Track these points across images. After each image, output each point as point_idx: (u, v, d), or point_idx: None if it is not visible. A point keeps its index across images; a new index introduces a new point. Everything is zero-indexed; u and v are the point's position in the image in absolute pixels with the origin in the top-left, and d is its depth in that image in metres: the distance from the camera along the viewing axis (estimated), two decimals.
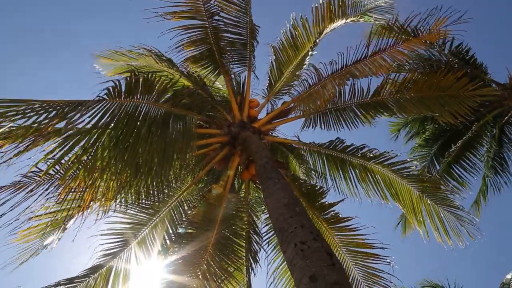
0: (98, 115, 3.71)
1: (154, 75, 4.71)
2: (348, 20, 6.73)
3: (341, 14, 6.64)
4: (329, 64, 6.68)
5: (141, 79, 4.40)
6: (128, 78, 4.26)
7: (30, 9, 16.35)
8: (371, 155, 6.61)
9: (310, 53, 6.95)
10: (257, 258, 6.21)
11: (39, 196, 4.50)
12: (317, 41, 6.83)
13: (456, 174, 9.78)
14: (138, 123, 4.15)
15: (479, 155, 9.94)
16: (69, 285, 5.40)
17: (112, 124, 3.87)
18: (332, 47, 7.03)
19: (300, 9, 6.78)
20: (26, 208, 4.53)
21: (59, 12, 16.89)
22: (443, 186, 6.51)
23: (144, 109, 4.32)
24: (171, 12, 6.14)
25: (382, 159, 6.56)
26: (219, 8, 6.39)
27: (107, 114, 3.81)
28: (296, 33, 6.97)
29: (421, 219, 6.31)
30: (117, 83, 4.04)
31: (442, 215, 6.20)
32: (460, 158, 9.75)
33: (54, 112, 3.40)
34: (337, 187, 6.97)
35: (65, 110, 3.45)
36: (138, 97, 4.31)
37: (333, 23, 6.65)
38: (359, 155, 6.71)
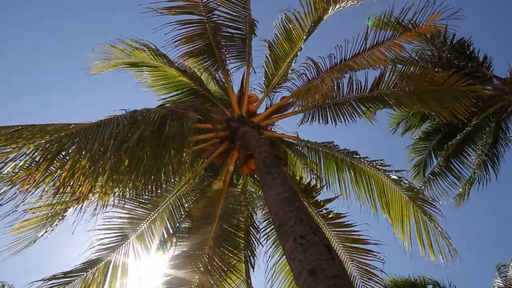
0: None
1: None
2: (337, 7, 6.66)
3: (331, 1, 6.57)
4: (327, 57, 6.66)
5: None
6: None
7: (26, 8, 16.29)
8: (365, 161, 6.60)
9: (303, 45, 6.90)
10: (255, 253, 6.22)
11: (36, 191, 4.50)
12: (312, 31, 6.78)
13: (454, 168, 9.81)
14: (136, 124, 4.16)
15: (477, 149, 9.96)
16: (66, 279, 5.40)
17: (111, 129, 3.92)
18: (329, 40, 7.00)
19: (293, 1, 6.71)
20: (23, 201, 4.51)
21: (54, 9, 16.82)
22: (432, 202, 6.40)
23: (141, 115, 4.35)
24: (168, 7, 6.10)
25: (375, 164, 6.55)
26: (218, 3, 6.35)
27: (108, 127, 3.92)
28: (290, 25, 6.89)
29: (408, 231, 6.22)
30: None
31: (429, 228, 6.13)
32: (459, 152, 9.78)
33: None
34: (330, 186, 6.97)
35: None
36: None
37: (326, 10, 6.59)
38: (356, 158, 6.71)
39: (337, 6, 6.61)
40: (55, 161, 3.86)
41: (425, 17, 6.24)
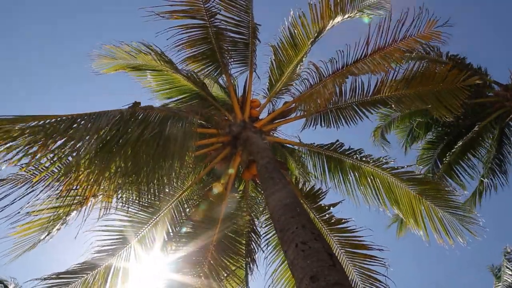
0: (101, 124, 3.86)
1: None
2: (346, 16, 6.71)
3: (339, 10, 6.59)
4: (329, 62, 6.67)
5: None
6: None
7: (27, 9, 16.37)
8: (369, 159, 6.62)
9: (309, 52, 6.94)
10: (254, 258, 6.23)
11: (40, 191, 4.53)
12: (317, 38, 6.80)
13: (456, 174, 9.79)
14: (138, 126, 4.17)
15: (480, 156, 9.95)
16: (66, 279, 5.41)
17: (113, 129, 3.94)
18: (331, 45, 7.02)
19: (300, 6, 6.74)
20: (28, 202, 4.53)
21: (54, 13, 16.90)
22: (444, 186, 6.46)
23: (143, 115, 4.37)
24: (170, 11, 6.10)
25: (381, 163, 6.57)
26: (220, 8, 6.38)
27: (110, 123, 3.95)
28: (296, 31, 6.91)
29: (421, 221, 6.27)
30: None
31: (442, 216, 6.18)
32: (460, 159, 9.76)
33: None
34: (336, 188, 6.97)
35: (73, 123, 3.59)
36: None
37: (332, 20, 6.62)
38: (359, 158, 6.71)
39: (346, 15, 6.64)
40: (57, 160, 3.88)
41: (422, 24, 6.30)
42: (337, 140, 6.90)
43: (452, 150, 9.69)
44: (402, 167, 6.48)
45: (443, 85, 6.46)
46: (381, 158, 6.59)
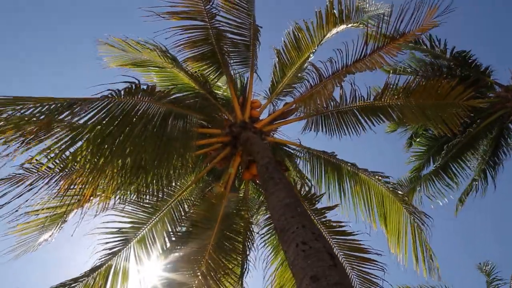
0: (98, 114, 3.83)
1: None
2: (350, 25, 6.76)
3: (344, 18, 6.63)
4: (329, 62, 6.65)
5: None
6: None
7: (30, 9, 16.39)
8: (366, 171, 6.62)
9: (312, 55, 6.97)
10: (248, 258, 6.22)
11: (39, 189, 4.53)
12: (321, 43, 6.85)
13: (452, 172, 9.83)
14: (136, 120, 4.16)
15: (478, 155, 9.98)
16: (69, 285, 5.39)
17: (112, 122, 3.91)
18: (331, 42, 7.03)
19: (305, 11, 6.79)
20: (26, 201, 4.54)
21: (54, 10, 16.88)
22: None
23: (143, 107, 4.35)
24: (170, 12, 6.11)
25: (375, 175, 6.58)
26: (222, 10, 6.39)
27: (107, 113, 3.91)
28: (300, 35, 6.94)
29: (402, 242, 6.26)
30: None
31: (423, 243, 6.15)
32: (459, 157, 9.79)
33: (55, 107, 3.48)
34: (331, 197, 6.95)
35: (66, 106, 3.52)
36: (139, 97, 4.36)
37: (336, 27, 6.67)
38: (356, 167, 6.71)
39: (350, 24, 6.68)
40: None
41: (422, 16, 6.09)
42: (333, 152, 6.91)
43: (452, 148, 9.71)
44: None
45: (446, 100, 6.35)
46: (378, 173, 6.60)
